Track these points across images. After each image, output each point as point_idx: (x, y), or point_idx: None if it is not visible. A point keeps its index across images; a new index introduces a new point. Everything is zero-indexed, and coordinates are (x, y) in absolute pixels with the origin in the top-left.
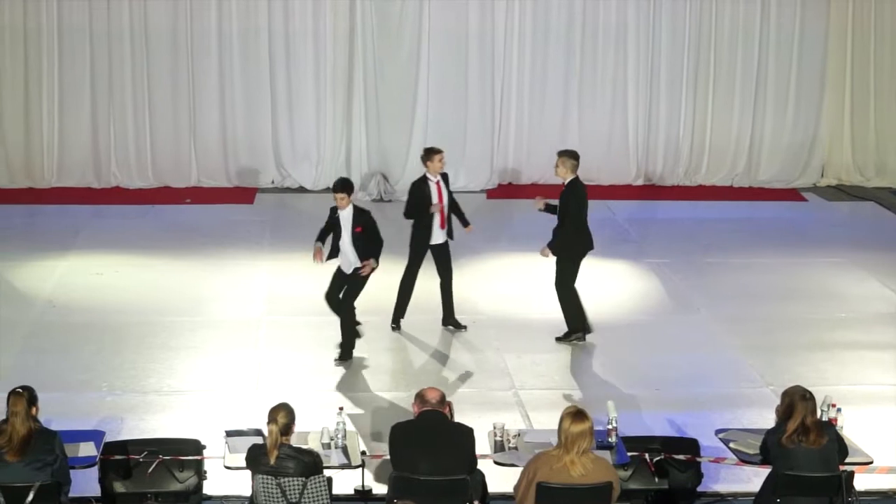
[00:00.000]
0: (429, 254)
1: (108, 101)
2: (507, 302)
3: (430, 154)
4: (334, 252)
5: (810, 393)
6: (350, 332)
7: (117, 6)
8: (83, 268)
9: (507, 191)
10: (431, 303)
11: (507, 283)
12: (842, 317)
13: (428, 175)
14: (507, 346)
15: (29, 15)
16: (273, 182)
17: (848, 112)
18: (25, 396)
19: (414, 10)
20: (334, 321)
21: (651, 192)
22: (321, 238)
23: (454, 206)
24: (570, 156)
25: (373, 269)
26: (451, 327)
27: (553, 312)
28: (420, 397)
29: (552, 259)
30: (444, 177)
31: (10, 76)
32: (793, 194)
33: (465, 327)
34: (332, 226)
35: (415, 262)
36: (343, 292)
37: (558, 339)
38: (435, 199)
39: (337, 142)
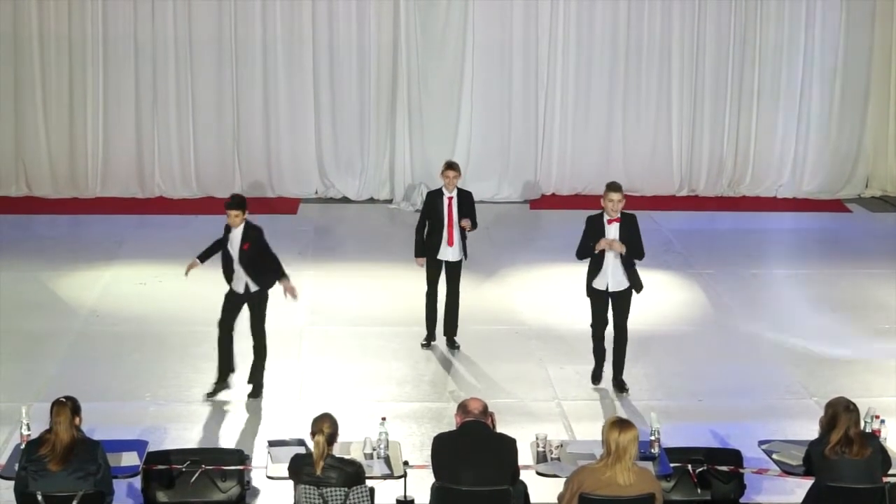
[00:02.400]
0: None
1: (153, 110)
2: (550, 312)
3: (443, 168)
4: (229, 275)
5: (854, 404)
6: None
7: (162, 16)
8: (127, 278)
9: (550, 201)
10: (473, 312)
11: (550, 293)
12: (886, 328)
13: (443, 188)
14: (550, 356)
15: (74, 24)
16: (317, 192)
17: (892, 123)
18: (69, 406)
19: (458, 21)
20: (377, 332)
21: (695, 203)
22: (205, 256)
23: (462, 231)
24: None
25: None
26: (447, 343)
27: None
28: (463, 408)
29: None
30: (465, 195)
31: (56, 85)
32: (837, 205)
33: (458, 348)
34: (224, 243)
35: (428, 276)
36: (252, 328)
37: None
38: (445, 214)
39: (380, 152)
